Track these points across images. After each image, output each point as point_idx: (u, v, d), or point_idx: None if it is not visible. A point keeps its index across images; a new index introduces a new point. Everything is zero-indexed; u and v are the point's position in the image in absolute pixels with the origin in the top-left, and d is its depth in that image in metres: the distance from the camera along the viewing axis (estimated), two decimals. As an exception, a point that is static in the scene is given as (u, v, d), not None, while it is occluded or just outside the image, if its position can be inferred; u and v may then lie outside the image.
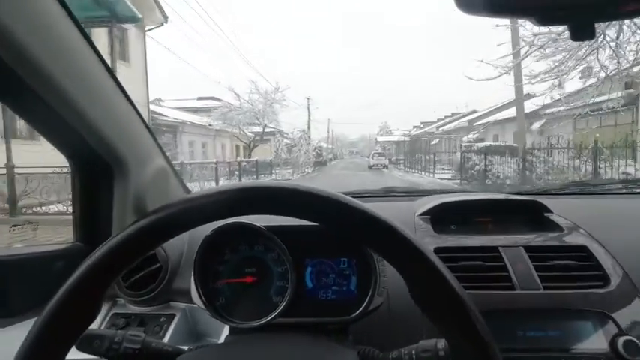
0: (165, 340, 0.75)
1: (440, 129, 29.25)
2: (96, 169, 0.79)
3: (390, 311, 0.68)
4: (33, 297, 0.66)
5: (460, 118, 27.95)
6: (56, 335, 0.37)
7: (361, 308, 0.61)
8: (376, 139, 48.78)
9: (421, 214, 0.89)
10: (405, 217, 0.89)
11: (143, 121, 0.85)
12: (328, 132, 55.25)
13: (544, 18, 0.38)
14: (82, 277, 0.38)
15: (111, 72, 0.72)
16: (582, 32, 0.38)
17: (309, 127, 32.16)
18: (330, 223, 0.40)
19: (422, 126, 40.77)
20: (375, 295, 0.61)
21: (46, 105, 0.60)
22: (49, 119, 0.64)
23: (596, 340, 0.64)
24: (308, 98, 32.48)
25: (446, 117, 34.56)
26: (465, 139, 18.35)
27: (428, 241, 0.80)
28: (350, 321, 0.62)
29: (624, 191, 1.24)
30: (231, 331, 0.65)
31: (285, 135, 26.98)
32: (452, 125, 26.15)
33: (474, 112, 27.18)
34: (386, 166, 26.79)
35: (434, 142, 27.51)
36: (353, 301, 0.64)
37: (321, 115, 59.79)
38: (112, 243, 0.39)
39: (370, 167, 26.73)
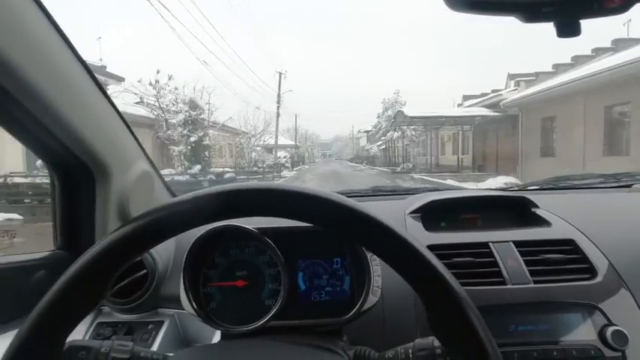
0: (155, 348, 0.73)
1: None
2: (76, 174, 0.76)
3: (384, 311, 0.67)
4: (13, 309, 0.63)
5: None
6: (41, 342, 0.36)
7: (355, 309, 0.61)
8: (402, 111, 19.84)
9: (411, 212, 0.90)
10: (396, 216, 0.89)
11: (125, 123, 0.83)
12: (277, 101, 24.82)
13: (530, 15, 0.39)
14: (65, 285, 0.36)
15: (90, 73, 0.69)
16: (568, 29, 0.39)
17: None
18: (323, 224, 0.39)
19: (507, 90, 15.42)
20: (369, 294, 0.61)
21: (22, 108, 0.57)
22: (25, 123, 0.62)
23: (586, 332, 0.66)
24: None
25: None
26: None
27: (419, 239, 0.80)
28: (344, 322, 0.61)
29: (605, 185, 1.28)
30: (223, 336, 0.64)
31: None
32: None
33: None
34: None
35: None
36: (347, 302, 0.63)
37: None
38: (94, 251, 0.38)
39: None
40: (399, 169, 20.61)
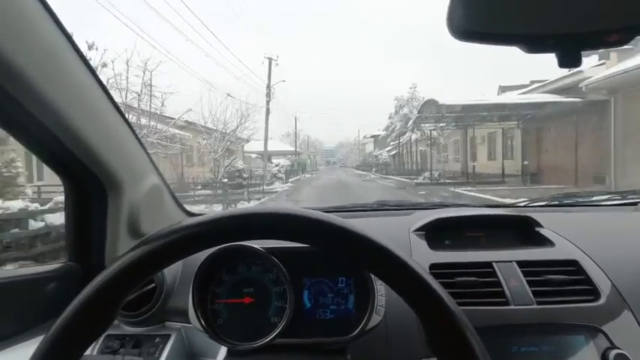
0: None
1: None
2: (89, 188, 0.78)
3: (387, 330, 0.68)
4: (27, 319, 0.65)
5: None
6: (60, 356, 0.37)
7: (359, 327, 0.61)
8: (434, 100, 13.03)
9: (416, 230, 0.90)
10: (400, 233, 0.90)
11: (137, 137, 0.85)
12: (267, 94, 18.51)
13: (533, 47, 0.40)
14: (80, 307, 0.38)
15: (104, 88, 0.72)
16: (569, 60, 0.40)
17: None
18: (326, 247, 0.40)
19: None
20: (372, 314, 0.62)
21: (39, 124, 0.59)
22: (42, 138, 0.64)
23: (589, 355, 0.65)
24: None
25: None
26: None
27: (424, 257, 0.81)
28: (348, 341, 0.62)
29: (610, 203, 1.28)
30: (229, 352, 0.65)
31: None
32: None
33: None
34: None
35: None
36: (351, 321, 0.64)
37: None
38: (109, 272, 0.39)
39: None
40: (420, 178, 16.37)
